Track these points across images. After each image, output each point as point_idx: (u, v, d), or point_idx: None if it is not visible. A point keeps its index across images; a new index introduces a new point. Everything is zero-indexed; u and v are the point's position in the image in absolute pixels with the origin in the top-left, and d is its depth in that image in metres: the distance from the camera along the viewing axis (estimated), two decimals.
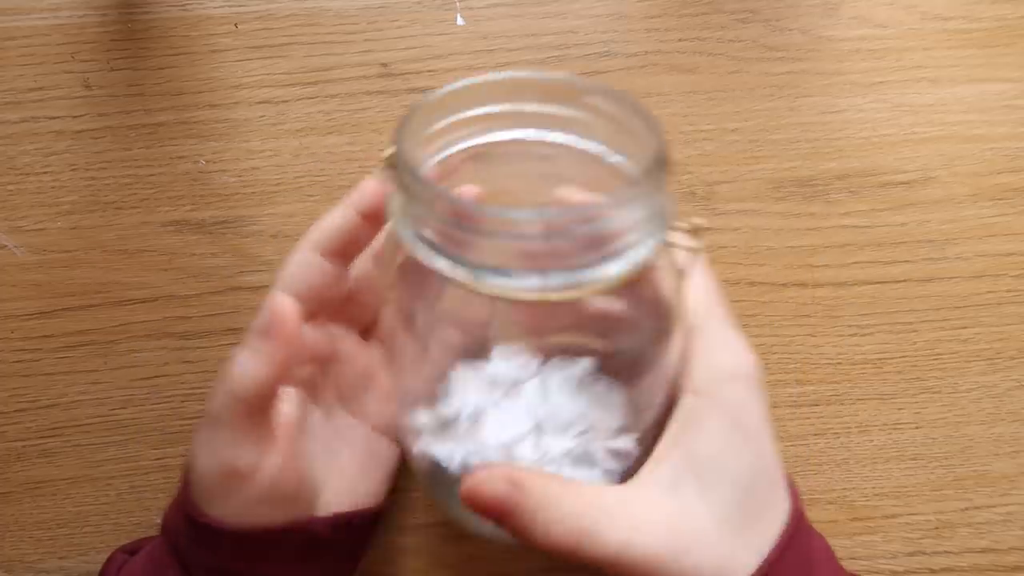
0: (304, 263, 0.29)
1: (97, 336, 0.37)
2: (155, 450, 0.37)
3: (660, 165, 0.22)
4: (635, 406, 0.28)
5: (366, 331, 0.33)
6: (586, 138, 0.26)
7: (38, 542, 0.37)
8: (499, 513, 0.23)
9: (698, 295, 0.27)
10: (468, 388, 0.28)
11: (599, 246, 0.22)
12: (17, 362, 0.37)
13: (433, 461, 0.28)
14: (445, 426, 0.28)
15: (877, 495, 0.38)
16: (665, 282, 0.26)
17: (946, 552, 0.38)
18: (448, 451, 0.28)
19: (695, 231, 0.25)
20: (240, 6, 0.37)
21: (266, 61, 0.37)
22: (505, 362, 0.28)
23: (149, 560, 0.30)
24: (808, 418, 0.38)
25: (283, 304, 0.26)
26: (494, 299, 0.22)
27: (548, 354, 0.29)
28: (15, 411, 0.37)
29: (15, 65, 0.37)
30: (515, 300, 0.22)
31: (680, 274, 0.26)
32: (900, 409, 0.38)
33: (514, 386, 0.28)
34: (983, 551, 0.37)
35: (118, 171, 0.37)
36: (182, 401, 0.37)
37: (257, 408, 0.27)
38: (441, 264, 0.22)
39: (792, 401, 0.38)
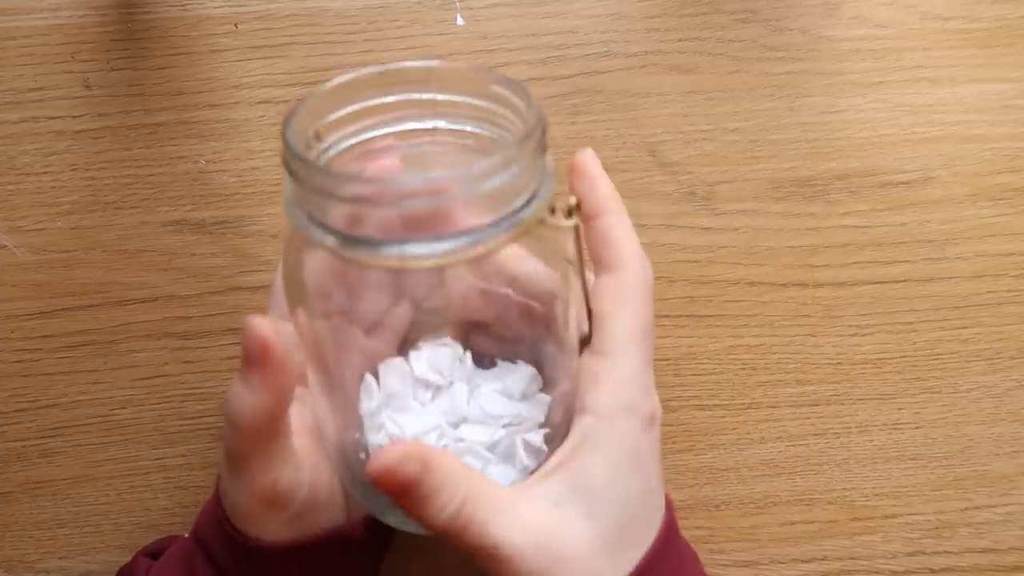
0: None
1: (97, 336, 0.37)
2: (155, 450, 0.37)
3: (532, 135, 0.23)
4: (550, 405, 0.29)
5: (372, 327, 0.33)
6: (471, 122, 0.26)
7: (38, 542, 0.37)
8: (401, 489, 0.23)
9: (629, 324, 0.27)
10: (390, 379, 0.29)
11: (477, 207, 0.23)
12: (17, 362, 0.37)
13: (353, 448, 0.28)
14: (370, 416, 0.28)
15: (877, 495, 0.38)
16: (550, 264, 0.27)
17: (946, 552, 0.38)
18: (367, 439, 0.28)
19: (570, 211, 0.26)
20: (240, 6, 0.37)
21: (266, 61, 0.37)
22: (430, 352, 0.29)
23: (180, 565, 0.30)
24: (808, 418, 0.38)
25: (259, 328, 0.25)
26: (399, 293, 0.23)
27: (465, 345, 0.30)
28: (15, 411, 0.37)
29: (15, 65, 0.37)
30: (406, 268, 0.23)
31: (569, 262, 0.27)
32: (900, 409, 0.38)
33: (442, 382, 0.29)
34: (983, 551, 0.38)
35: (118, 171, 0.37)
36: (182, 401, 0.37)
37: (271, 433, 0.26)
38: (332, 241, 0.22)
39: (792, 401, 0.38)
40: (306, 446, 0.28)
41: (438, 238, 0.22)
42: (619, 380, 0.26)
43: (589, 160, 0.28)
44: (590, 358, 0.27)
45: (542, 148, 0.24)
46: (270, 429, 0.26)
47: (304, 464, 0.27)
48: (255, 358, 0.25)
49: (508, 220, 0.23)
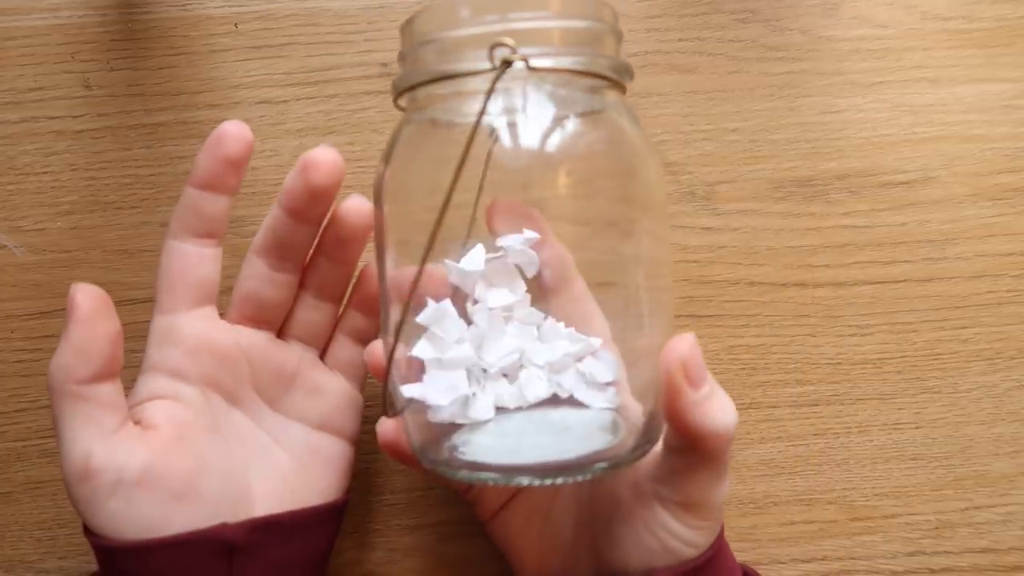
0: (168, 253, 0.30)
1: None
2: None
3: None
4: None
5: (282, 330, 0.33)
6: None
7: (38, 542, 0.37)
8: (696, 379, 0.26)
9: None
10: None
11: None
12: (17, 362, 0.37)
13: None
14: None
15: (877, 495, 0.38)
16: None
17: (946, 552, 0.38)
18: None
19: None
20: (240, 6, 0.37)
21: (266, 61, 0.37)
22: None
23: None
24: (808, 418, 0.38)
25: (77, 291, 0.28)
26: None
27: None
28: (15, 411, 0.37)
29: (15, 65, 0.37)
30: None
31: None
32: (900, 409, 0.38)
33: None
34: (983, 551, 0.38)
35: (118, 171, 0.37)
36: None
37: (83, 398, 0.27)
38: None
39: (792, 401, 0.38)
40: (160, 434, 0.28)
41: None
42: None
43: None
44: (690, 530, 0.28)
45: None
46: (81, 392, 0.27)
47: (138, 446, 0.27)
48: (67, 314, 0.27)
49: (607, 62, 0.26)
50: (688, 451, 0.26)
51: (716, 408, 0.26)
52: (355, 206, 0.31)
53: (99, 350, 0.27)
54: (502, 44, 0.24)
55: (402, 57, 0.27)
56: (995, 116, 0.38)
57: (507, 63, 0.24)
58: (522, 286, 0.28)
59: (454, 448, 0.27)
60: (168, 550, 0.27)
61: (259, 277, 0.31)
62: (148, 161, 0.37)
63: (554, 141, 0.25)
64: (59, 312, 0.37)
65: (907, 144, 0.38)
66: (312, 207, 0.30)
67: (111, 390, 0.28)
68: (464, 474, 0.26)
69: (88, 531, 0.28)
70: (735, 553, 0.37)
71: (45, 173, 0.37)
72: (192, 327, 0.30)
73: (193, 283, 0.30)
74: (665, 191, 0.27)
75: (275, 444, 0.32)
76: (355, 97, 0.37)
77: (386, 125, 0.37)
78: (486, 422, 0.27)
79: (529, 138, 0.25)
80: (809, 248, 0.38)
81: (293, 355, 0.32)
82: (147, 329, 0.37)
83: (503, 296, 0.28)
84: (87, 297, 0.28)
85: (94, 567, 0.36)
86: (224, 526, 0.28)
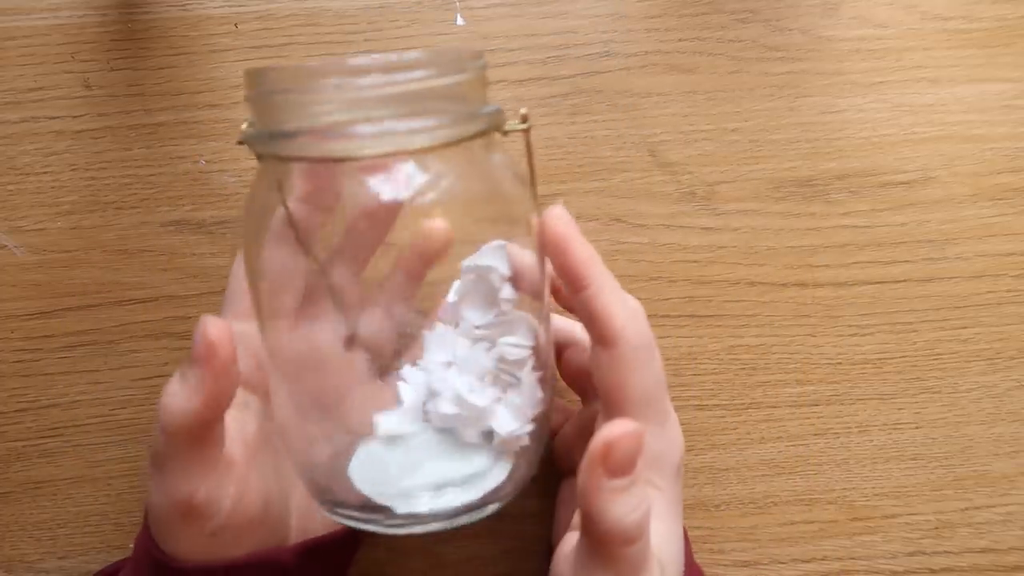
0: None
1: (97, 336, 0.37)
2: None
3: (476, 57, 0.25)
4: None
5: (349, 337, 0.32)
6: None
7: (38, 542, 0.37)
8: (621, 467, 0.24)
9: (638, 389, 0.27)
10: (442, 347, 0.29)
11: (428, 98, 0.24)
12: (17, 362, 0.37)
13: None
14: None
15: (877, 495, 0.38)
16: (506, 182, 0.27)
17: (946, 552, 0.38)
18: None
19: (524, 119, 0.26)
20: (240, 6, 0.37)
21: (266, 61, 0.37)
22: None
23: None
24: (808, 418, 0.38)
25: (212, 327, 0.24)
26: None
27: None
28: (15, 411, 0.37)
29: (15, 65, 0.37)
30: (371, 157, 0.23)
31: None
32: (900, 409, 0.38)
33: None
34: (983, 551, 0.38)
35: (118, 171, 0.37)
36: None
37: (198, 439, 0.25)
38: (297, 145, 0.23)
39: (792, 401, 0.38)
40: (239, 459, 0.27)
41: (394, 120, 0.23)
42: (648, 445, 0.26)
43: (560, 224, 0.27)
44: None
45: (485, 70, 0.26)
46: (199, 433, 0.25)
47: (230, 478, 0.27)
48: (200, 355, 0.24)
49: (466, 116, 0.24)
50: (590, 539, 0.25)
51: (622, 504, 0.24)
52: (439, 226, 0.30)
53: (229, 395, 0.25)
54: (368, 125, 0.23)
55: (260, 106, 0.25)
56: (995, 116, 0.38)
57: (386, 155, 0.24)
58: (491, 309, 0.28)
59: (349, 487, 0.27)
60: (230, 573, 0.27)
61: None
62: (148, 161, 0.37)
63: (425, 191, 0.25)
64: (59, 312, 0.37)
65: (907, 144, 0.38)
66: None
67: (221, 426, 0.26)
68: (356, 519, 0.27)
69: (152, 546, 0.27)
70: (735, 553, 0.37)
71: (45, 173, 0.37)
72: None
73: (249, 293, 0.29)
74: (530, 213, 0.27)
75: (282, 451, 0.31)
76: None
77: None
78: (378, 449, 0.28)
79: (403, 191, 0.25)
80: (809, 248, 0.38)
81: (354, 364, 0.31)
82: (147, 330, 0.37)
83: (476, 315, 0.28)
84: (223, 337, 0.24)
85: (94, 567, 0.36)
86: (279, 550, 0.28)
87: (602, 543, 0.24)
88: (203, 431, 0.25)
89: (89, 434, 0.37)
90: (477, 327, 0.28)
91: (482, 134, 0.25)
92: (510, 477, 0.28)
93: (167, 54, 0.37)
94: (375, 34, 0.37)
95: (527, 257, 0.28)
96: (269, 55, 0.37)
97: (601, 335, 0.27)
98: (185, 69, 0.37)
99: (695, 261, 0.38)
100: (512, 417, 0.27)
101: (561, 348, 0.32)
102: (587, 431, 0.30)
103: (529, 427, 0.28)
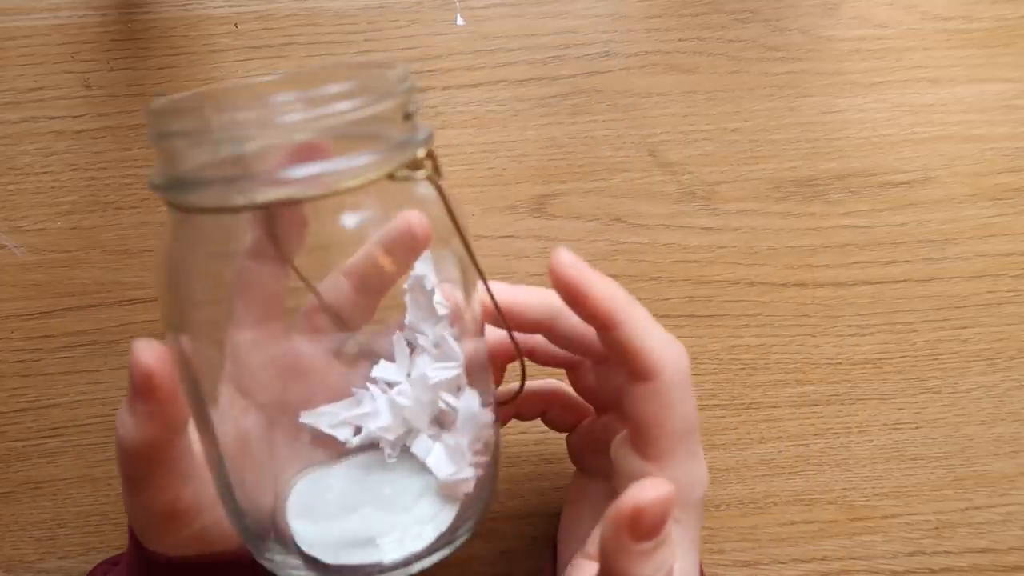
0: (329, 281, 0.27)
1: (97, 336, 0.37)
2: None
3: (401, 77, 0.23)
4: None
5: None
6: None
7: (38, 542, 0.37)
8: (652, 530, 0.23)
9: (675, 422, 0.26)
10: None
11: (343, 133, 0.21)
12: (17, 362, 0.37)
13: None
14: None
15: (877, 495, 0.38)
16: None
17: (946, 552, 0.38)
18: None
19: (416, 164, 0.23)
20: (240, 6, 0.37)
21: (266, 61, 0.37)
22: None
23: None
24: (808, 418, 0.38)
25: (144, 356, 0.23)
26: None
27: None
28: (15, 411, 0.37)
29: (15, 65, 0.37)
30: (283, 201, 0.21)
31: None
32: (900, 409, 0.38)
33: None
34: (983, 551, 0.38)
35: (118, 171, 0.37)
36: None
37: (163, 459, 0.25)
38: (213, 195, 0.21)
39: (792, 401, 0.38)
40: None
41: (304, 164, 0.20)
42: (676, 483, 0.25)
43: (571, 268, 0.26)
44: (640, 461, 0.26)
45: (408, 97, 0.23)
46: (161, 455, 0.24)
47: (209, 486, 0.26)
48: (140, 389, 0.23)
49: (375, 155, 0.22)
50: None
51: (646, 566, 0.23)
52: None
53: (183, 417, 0.24)
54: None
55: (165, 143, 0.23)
56: (995, 116, 0.38)
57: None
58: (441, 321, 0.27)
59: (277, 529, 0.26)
60: (218, 569, 0.27)
61: (340, 293, 0.28)
62: (148, 161, 0.37)
63: (351, 221, 0.23)
64: (59, 312, 0.37)
65: (907, 144, 0.38)
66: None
67: (185, 437, 0.26)
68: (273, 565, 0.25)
69: (137, 543, 0.27)
70: (735, 553, 0.37)
71: (45, 173, 0.37)
72: (272, 347, 0.28)
73: (269, 298, 0.28)
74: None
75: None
76: None
77: None
78: (308, 493, 0.26)
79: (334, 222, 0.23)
80: (809, 248, 0.38)
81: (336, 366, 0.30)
82: (147, 330, 0.37)
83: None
84: (158, 359, 0.23)
85: (94, 567, 0.36)
86: None
87: None
88: (165, 452, 0.25)
89: (89, 434, 0.37)
90: (430, 339, 0.27)
91: (410, 165, 0.22)
92: (458, 521, 0.26)
93: (167, 54, 0.37)
94: (375, 34, 0.37)
95: (455, 293, 0.26)
96: (269, 55, 0.37)
97: (639, 370, 0.26)
98: (185, 69, 0.37)
99: (695, 261, 0.38)
100: (449, 460, 0.26)
101: (571, 364, 0.31)
102: (599, 441, 0.30)
103: (468, 472, 0.25)
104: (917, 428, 0.38)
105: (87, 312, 0.37)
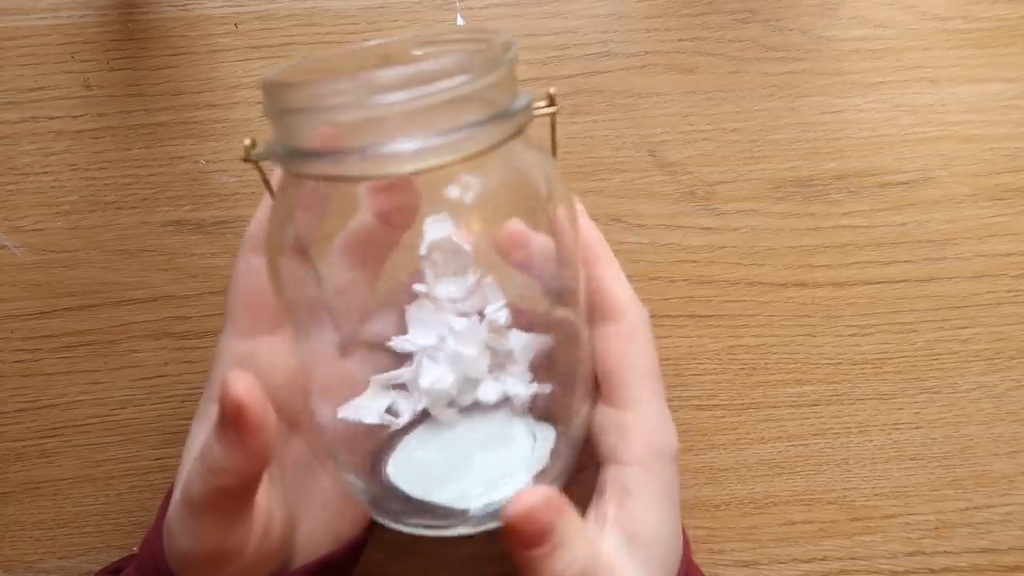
0: (247, 270, 0.28)
1: (97, 336, 0.37)
2: (155, 450, 0.37)
3: (506, 47, 0.23)
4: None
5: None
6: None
7: (38, 542, 0.37)
8: (533, 539, 0.23)
9: (640, 369, 0.28)
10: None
11: (457, 106, 0.22)
12: (17, 362, 0.37)
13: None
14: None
15: (877, 495, 0.38)
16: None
17: (946, 552, 0.38)
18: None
19: (550, 98, 0.25)
20: (240, 6, 0.37)
21: (266, 61, 0.37)
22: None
23: None
24: (808, 418, 0.38)
25: (235, 388, 0.23)
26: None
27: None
28: (15, 411, 0.37)
29: (15, 65, 0.37)
30: (397, 175, 0.22)
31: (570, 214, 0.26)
32: (900, 409, 0.38)
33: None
34: (983, 551, 0.38)
35: (118, 171, 0.37)
36: (182, 401, 0.37)
37: (239, 495, 0.25)
38: (320, 165, 0.22)
39: (792, 401, 0.38)
40: (263, 499, 0.27)
41: (427, 135, 0.22)
42: (646, 426, 0.27)
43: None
44: (610, 410, 0.28)
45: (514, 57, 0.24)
46: (240, 490, 0.25)
47: (258, 521, 0.26)
48: (230, 421, 0.23)
49: (498, 116, 0.23)
50: None
51: (555, 563, 0.24)
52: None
53: (270, 451, 0.24)
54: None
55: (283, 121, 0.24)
56: (994, 116, 0.38)
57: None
58: (469, 278, 0.28)
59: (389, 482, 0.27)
60: None
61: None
62: (148, 161, 0.37)
63: (464, 194, 0.25)
64: (58, 312, 0.37)
65: (907, 144, 0.38)
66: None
67: (260, 479, 0.25)
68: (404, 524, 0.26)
69: (160, 560, 0.27)
70: (735, 553, 0.37)
71: (45, 173, 0.37)
72: (272, 354, 0.28)
73: (275, 304, 0.28)
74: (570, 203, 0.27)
75: (321, 468, 0.31)
76: None
77: None
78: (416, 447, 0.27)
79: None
80: (809, 248, 0.38)
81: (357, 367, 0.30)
82: (147, 330, 0.37)
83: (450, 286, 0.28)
84: (247, 390, 0.23)
85: (94, 567, 0.36)
86: (289, 572, 0.28)
87: None
88: (245, 488, 0.25)
89: (89, 434, 0.37)
90: (455, 301, 0.28)
91: (517, 133, 0.24)
92: (556, 453, 0.27)
93: (167, 54, 0.37)
94: (375, 34, 0.37)
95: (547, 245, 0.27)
96: (269, 55, 0.37)
97: (604, 311, 0.28)
98: (185, 69, 0.37)
99: (695, 261, 0.38)
100: (522, 383, 0.28)
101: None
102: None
103: (543, 387, 0.28)
104: (917, 428, 0.38)
105: (87, 312, 0.37)
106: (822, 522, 0.37)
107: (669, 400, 0.37)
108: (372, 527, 0.32)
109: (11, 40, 0.37)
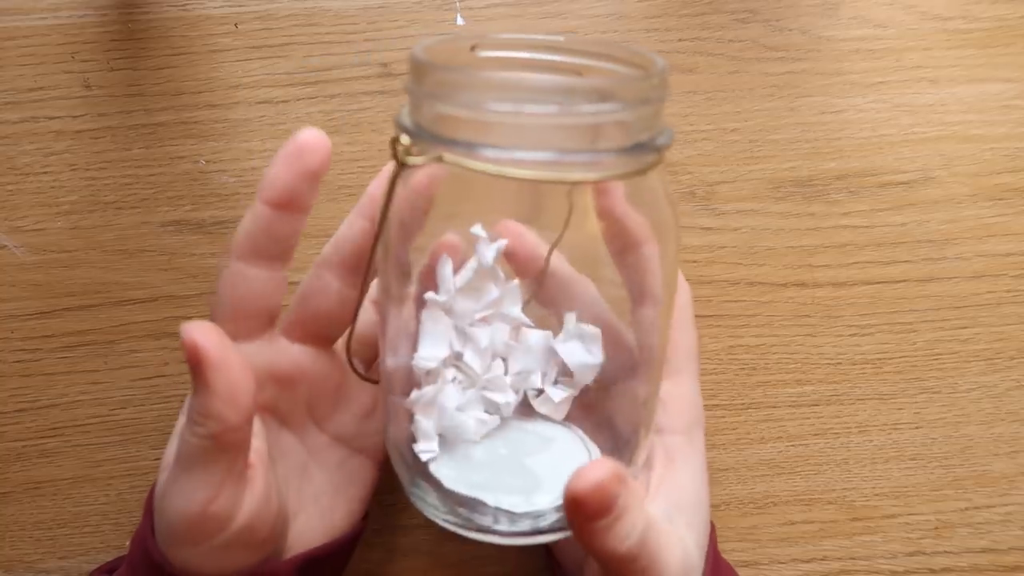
0: (232, 276, 0.27)
1: (97, 336, 0.37)
2: (155, 450, 0.37)
3: (664, 72, 0.24)
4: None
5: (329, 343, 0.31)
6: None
7: (38, 542, 0.37)
8: (598, 511, 0.24)
9: (685, 344, 0.30)
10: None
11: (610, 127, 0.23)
12: (17, 362, 0.37)
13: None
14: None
15: (877, 495, 0.38)
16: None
17: (946, 552, 0.38)
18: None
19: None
20: (240, 6, 0.37)
21: (266, 61, 0.37)
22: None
23: None
24: (808, 418, 0.38)
25: (193, 333, 0.24)
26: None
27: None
28: (15, 411, 0.37)
29: (15, 65, 0.37)
30: (532, 180, 0.23)
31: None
32: (900, 409, 0.38)
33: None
34: (982, 551, 0.38)
35: (118, 171, 0.37)
36: (182, 401, 0.37)
37: (230, 447, 0.25)
38: (457, 152, 0.23)
39: (792, 401, 0.38)
40: (258, 479, 0.27)
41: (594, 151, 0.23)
42: (687, 397, 0.30)
43: (618, 196, 0.28)
44: (664, 382, 0.29)
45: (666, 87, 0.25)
46: (225, 441, 0.25)
47: (250, 494, 0.26)
48: (192, 362, 0.24)
49: (643, 147, 0.24)
50: (599, 564, 0.26)
51: (614, 536, 0.24)
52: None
53: (247, 388, 0.25)
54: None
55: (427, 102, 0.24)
56: (994, 116, 0.38)
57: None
58: (497, 288, 0.29)
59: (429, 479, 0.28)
60: None
61: (262, 282, 0.28)
62: (148, 161, 0.37)
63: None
64: (59, 312, 0.37)
65: (907, 144, 0.38)
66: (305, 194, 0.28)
67: (249, 432, 0.26)
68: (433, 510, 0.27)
69: (153, 548, 0.27)
70: (735, 553, 0.37)
71: (45, 173, 0.37)
72: (259, 356, 0.28)
73: (262, 310, 0.28)
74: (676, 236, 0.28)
75: (314, 463, 0.31)
76: (355, 97, 0.37)
77: (386, 125, 0.37)
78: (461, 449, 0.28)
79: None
80: (809, 248, 0.38)
81: (347, 371, 0.30)
82: (147, 330, 0.37)
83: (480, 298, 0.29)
84: (207, 336, 0.24)
85: (94, 567, 0.36)
86: (274, 564, 0.28)
87: (609, 569, 0.26)
88: (235, 436, 0.25)
89: (89, 434, 0.37)
90: (478, 315, 0.28)
91: (655, 164, 0.24)
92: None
93: (167, 54, 0.37)
94: (375, 34, 0.37)
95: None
96: (269, 55, 0.37)
97: (650, 292, 0.28)
98: (185, 69, 0.37)
99: (695, 261, 0.38)
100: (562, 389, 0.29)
101: None
102: None
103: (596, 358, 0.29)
104: (916, 428, 0.38)
105: (86, 312, 0.37)
106: (822, 522, 0.37)
107: None
108: (366, 523, 0.33)
109: (11, 40, 0.37)
